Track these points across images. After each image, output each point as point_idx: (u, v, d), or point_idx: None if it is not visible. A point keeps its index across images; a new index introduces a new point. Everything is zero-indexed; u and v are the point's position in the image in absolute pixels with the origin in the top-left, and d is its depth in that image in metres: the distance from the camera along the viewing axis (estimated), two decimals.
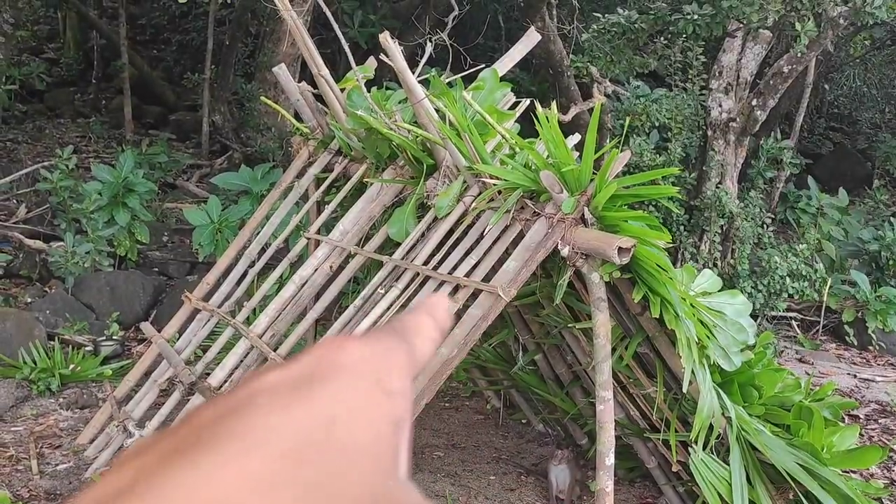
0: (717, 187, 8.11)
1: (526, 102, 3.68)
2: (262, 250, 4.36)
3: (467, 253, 3.12)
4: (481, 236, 3.15)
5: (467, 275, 3.03)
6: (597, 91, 6.77)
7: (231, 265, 4.40)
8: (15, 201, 9.58)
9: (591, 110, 7.47)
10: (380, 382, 0.32)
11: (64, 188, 7.96)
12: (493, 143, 3.50)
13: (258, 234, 4.44)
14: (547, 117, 2.93)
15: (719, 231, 8.21)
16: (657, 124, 7.95)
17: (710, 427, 3.23)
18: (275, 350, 3.52)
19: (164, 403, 3.89)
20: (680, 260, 8.26)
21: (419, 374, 0.51)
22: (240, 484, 0.26)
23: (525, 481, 4.40)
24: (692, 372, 3.00)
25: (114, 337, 6.17)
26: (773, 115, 12.95)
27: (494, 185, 3.05)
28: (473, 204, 3.21)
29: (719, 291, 3.30)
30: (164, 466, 0.27)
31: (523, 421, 5.19)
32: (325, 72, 3.91)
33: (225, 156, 12.53)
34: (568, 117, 6.87)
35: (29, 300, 7.10)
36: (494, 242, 3.08)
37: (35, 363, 5.29)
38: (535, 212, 2.99)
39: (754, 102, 7.92)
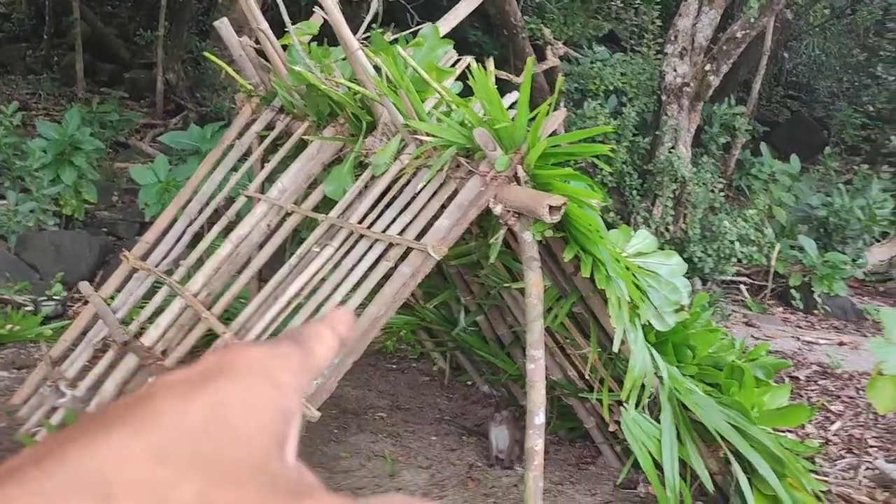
0: (671, 152, 8.15)
1: (467, 59, 3.63)
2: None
3: (402, 211, 3.09)
4: (417, 195, 3.11)
5: (400, 233, 3.00)
6: (550, 53, 6.72)
7: (171, 224, 4.32)
8: None
9: (547, 72, 7.43)
10: (271, 378, 0.35)
11: (7, 145, 7.74)
12: (432, 101, 3.45)
13: (198, 192, 4.36)
14: (483, 74, 2.89)
15: (672, 195, 8.27)
16: (612, 88, 7.93)
17: (643, 387, 3.26)
18: (209, 309, 3.47)
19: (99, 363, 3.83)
20: (633, 224, 8.31)
21: (315, 377, 0.55)
22: (135, 454, 0.30)
23: (466, 441, 4.43)
24: (624, 332, 3.01)
25: (55, 297, 6.05)
26: (730, 81, 13.05)
27: (430, 142, 3.01)
28: (408, 162, 3.17)
29: (654, 252, 3.31)
30: (68, 442, 0.30)
31: (469, 382, 5.21)
32: (265, 26, 3.82)
33: (180, 115, 12.28)
34: (521, 79, 6.81)
35: None
36: (429, 201, 3.05)
37: None
38: (469, 170, 2.96)
39: (708, 67, 7.94)
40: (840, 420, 5.35)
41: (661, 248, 3.72)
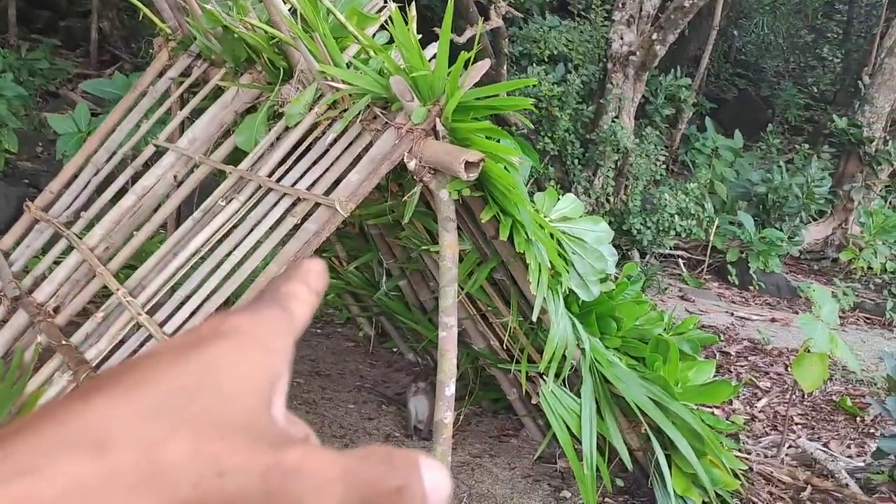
0: (614, 122, 8.03)
1: (391, 6, 3.39)
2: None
3: (313, 165, 2.88)
4: (330, 148, 2.90)
5: (310, 188, 2.78)
6: (494, 13, 6.50)
7: (78, 174, 4.03)
8: None
9: (489, 33, 7.21)
10: (259, 342, 0.35)
11: None
12: (354, 49, 3.23)
13: (107, 141, 4.07)
14: (402, 19, 2.67)
15: (613, 166, 8.17)
16: (557, 53, 7.75)
17: (564, 359, 3.13)
18: (105, 264, 3.22)
19: None
20: (574, 193, 8.19)
21: (297, 336, 0.40)
22: (129, 411, 0.31)
23: (385, 410, 4.27)
24: (544, 300, 2.86)
25: None
26: (679, 55, 12.98)
27: (343, 90, 2.79)
28: (321, 112, 2.95)
29: (581, 217, 3.16)
30: (62, 404, 0.32)
31: (394, 349, 5.04)
32: None
33: (115, 66, 11.76)
34: (462, 39, 6.59)
35: None
36: (342, 155, 2.84)
37: None
38: (385, 122, 2.75)
39: (655, 37, 7.81)
40: (767, 396, 5.33)
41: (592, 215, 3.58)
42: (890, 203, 9.88)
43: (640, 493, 3.59)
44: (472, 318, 3.67)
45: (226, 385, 0.33)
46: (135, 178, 3.65)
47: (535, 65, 8.17)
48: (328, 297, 5.48)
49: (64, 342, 2.94)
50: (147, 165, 3.76)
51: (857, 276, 8.93)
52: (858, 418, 5.09)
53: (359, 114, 2.89)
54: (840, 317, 7.44)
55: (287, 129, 3.13)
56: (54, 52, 12.14)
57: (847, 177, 9.42)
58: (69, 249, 3.51)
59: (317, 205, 2.68)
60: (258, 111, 3.28)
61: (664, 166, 8.74)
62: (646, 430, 3.26)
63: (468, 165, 2.47)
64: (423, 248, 3.38)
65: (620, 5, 7.98)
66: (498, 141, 2.80)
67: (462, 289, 3.16)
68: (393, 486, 0.33)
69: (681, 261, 8.69)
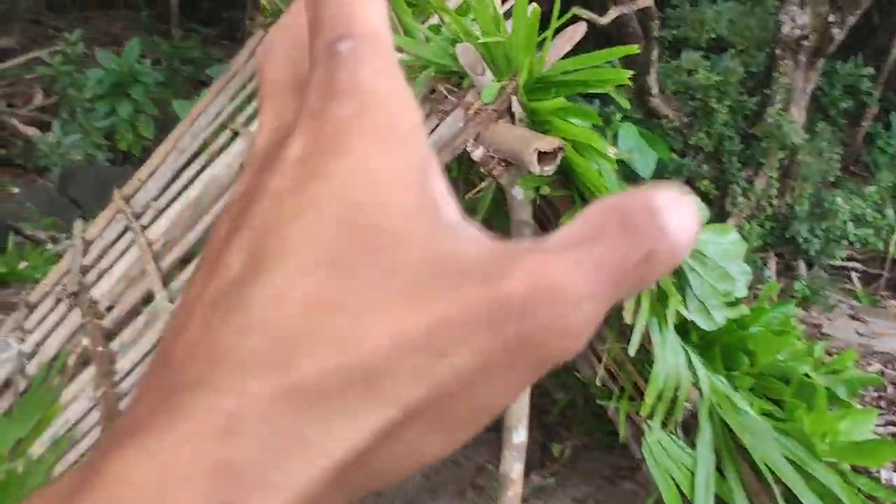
0: (780, 114, 7.09)
1: None
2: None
3: None
4: None
5: None
6: None
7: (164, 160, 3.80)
8: (39, 89, 9.14)
9: (639, 12, 6.51)
10: (383, 131, 0.24)
11: (65, 73, 7.45)
12: (436, 19, 2.74)
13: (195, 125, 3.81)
14: None
15: (778, 165, 7.23)
16: (716, 37, 6.93)
17: (676, 400, 2.51)
18: (157, 262, 2.92)
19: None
20: (730, 195, 7.34)
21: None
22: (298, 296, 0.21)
23: (480, 437, 3.66)
24: (647, 328, 2.26)
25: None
26: (865, 44, 11.56)
27: (405, 60, 2.31)
28: None
29: (705, 225, 2.52)
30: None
31: None
32: None
33: None
34: (606, 19, 5.95)
35: (16, 190, 6.71)
36: None
37: None
38: (455, 102, 2.25)
39: (832, 18, 6.82)
40: None
41: (756, 223, 2.91)
42: None
43: None
44: None
45: (378, 217, 0.23)
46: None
47: (691, 50, 7.36)
48: None
49: (101, 349, 2.64)
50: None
51: None
52: None
53: (431, 93, 2.41)
54: None
55: None
56: (212, 41, 12.46)
57: None
58: (134, 243, 3.25)
59: None
60: None
61: (839, 167, 7.68)
62: (783, 492, 2.58)
63: (542, 156, 1.92)
64: None
65: None
66: (594, 127, 2.23)
67: None
68: (640, 257, 0.23)
69: (854, 274, 7.61)
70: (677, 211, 0.23)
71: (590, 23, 5.40)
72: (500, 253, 0.23)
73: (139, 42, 7.73)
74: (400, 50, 2.29)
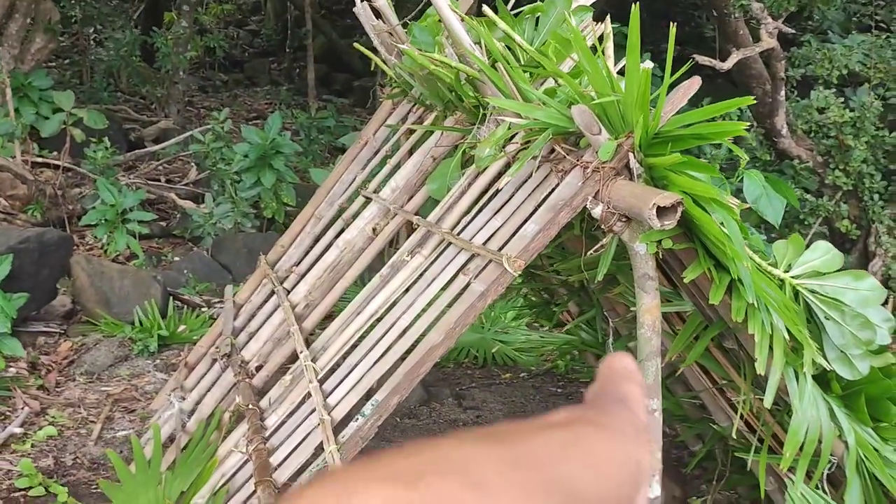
0: None
1: (604, 25, 2.93)
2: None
3: (496, 214, 2.52)
4: (515, 194, 2.52)
5: (487, 241, 2.42)
6: (764, 33, 5.73)
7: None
8: (192, 164, 9.88)
9: (763, 53, 6.40)
10: (622, 434, 0.38)
11: (215, 150, 8.02)
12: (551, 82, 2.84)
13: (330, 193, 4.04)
14: (580, 36, 2.24)
15: None
16: (845, 72, 6.69)
17: (819, 453, 2.42)
18: (301, 323, 3.10)
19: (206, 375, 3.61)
20: (874, 234, 6.99)
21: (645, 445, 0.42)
22: (493, 458, 0.33)
23: None
24: (783, 378, 2.21)
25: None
26: None
27: (520, 125, 2.41)
28: (512, 153, 2.59)
29: (838, 272, 2.45)
30: (435, 443, 0.35)
31: None
32: (381, 2, 3.40)
33: None
34: (728, 65, 5.89)
35: (176, 259, 7.24)
36: (525, 201, 2.45)
37: (140, 323, 5.26)
38: (573, 162, 2.32)
39: None
40: None
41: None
42: None
43: None
44: (709, 391, 3.04)
45: (594, 462, 0.34)
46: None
47: (822, 87, 7.13)
48: (572, 352, 5.05)
49: (251, 406, 2.83)
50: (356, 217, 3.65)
51: None
52: None
53: (550, 153, 2.50)
54: None
55: (478, 175, 2.81)
56: (346, 109, 13.08)
57: None
58: (279, 306, 3.47)
59: (489, 261, 2.31)
60: (452, 156, 3.00)
61: None
62: None
63: (661, 211, 1.96)
64: (633, 309, 2.85)
65: None
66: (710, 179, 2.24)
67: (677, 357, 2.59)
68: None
69: None
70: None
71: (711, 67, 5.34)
72: None
73: (280, 116, 8.23)
74: (518, 115, 2.40)
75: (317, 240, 3.77)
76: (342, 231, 3.53)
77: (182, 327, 5.45)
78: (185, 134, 9.51)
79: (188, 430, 3.34)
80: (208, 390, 3.47)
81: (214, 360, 3.77)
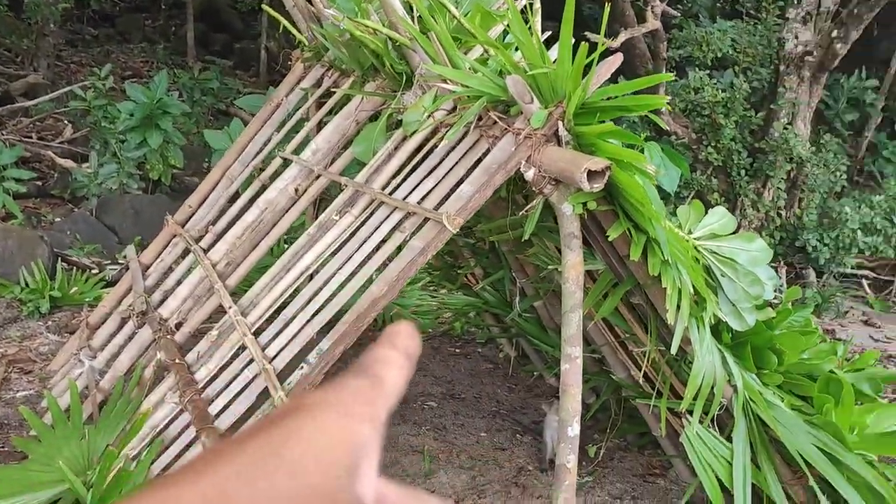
0: (786, 128, 7.34)
1: (523, 2, 3.10)
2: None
3: (428, 176, 2.65)
4: (446, 158, 2.66)
5: (421, 201, 2.56)
6: (650, 15, 6.08)
7: (214, 187, 4.04)
8: (66, 122, 9.42)
9: (646, 36, 6.77)
10: (338, 412, 0.34)
11: (98, 108, 7.71)
12: (478, 50, 2.98)
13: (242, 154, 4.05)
14: (517, 12, 2.39)
15: (785, 177, 7.47)
16: (721, 56, 7.18)
17: (713, 396, 2.72)
18: (224, 281, 3.15)
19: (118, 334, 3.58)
20: (739, 207, 7.57)
21: (393, 403, 0.39)
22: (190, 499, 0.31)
23: (520, 440, 3.97)
24: (686, 330, 2.48)
25: (121, 261, 5.94)
26: (866, 58, 11.83)
27: (455, 92, 2.55)
28: (440, 119, 2.72)
29: (732, 235, 2.74)
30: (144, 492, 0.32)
31: (535, 373, 4.73)
32: None
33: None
34: (617, 42, 6.21)
35: (57, 220, 6.95)
36: (458, 164, 2.60)
37: (27, 284, 5.08)
38: (504, 128, 2.48)
39: (834, 34, 7.07)
40: None
41: (765, 234, 3.14)
42: None
43: None
44: (611, 345, 3.31)
45: (295, 459, 0.32)
46: (262, 192, 3.59)
47: (697, 69, 7.62)
48: (469, 315, 5.26)
49: (178, 360, 2.87)
50: (274, 178, 3.69)
51: None
52: None
53: (478, 120, 2.65)
54: None
55: (405, 138, 2.93)
56: (228, 72, 12.76)
57: None
58: (196, 264, 3.48)
59: (426, 220, 2.45)
60: (377, 120, 3.10)
61: (846, 177, 7.91)
62: (812, 484, 2.78)
63: (592, 175, 2.15)
64: (552, 267, 3.07)
65: (796, 2, 7.30)
66: (633, 147, 2.45)
67: (587, 313, 2.82)
68: None
69: (865, 281, 7.81)
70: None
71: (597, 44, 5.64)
72: None
73: (166, 74, 8.00)
74: (443, 80, 2.53)
75: (232, 200, 3.78)
76: (260, 192, 3.56)
77: (74, 289, 5.30)
78: (61, 90, 9.07)
79: (102, 388, 3.32)
80: (122, 348, 3.45)
81: (124, 320, 3.74)
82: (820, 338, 3.13)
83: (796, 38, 7.34)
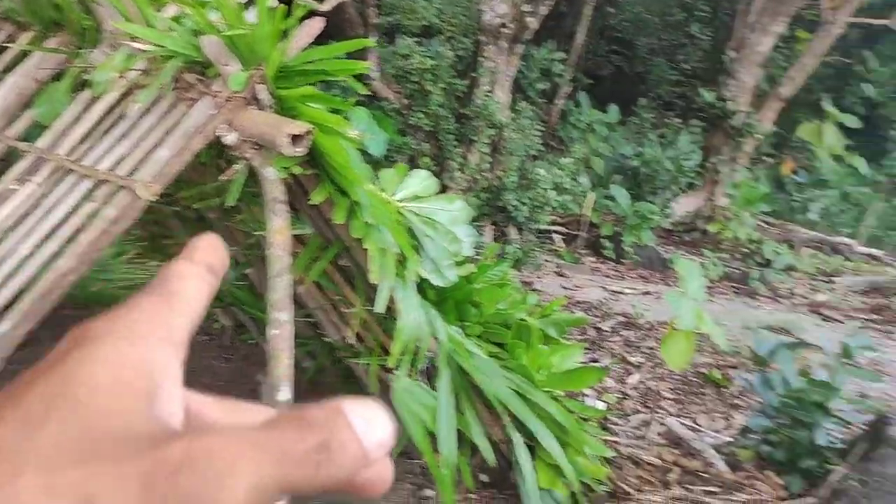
0: (487, 96, 7.83)
1: None
2: None
3: (121, 140, 2.49)
4: (139, 121, 2.51)
5: (114, 168, 2.40)
6: None
7: None
8: None
9: (356, 2, 6.84)
10: (127, 339, 0.31)
11: None
12: (174, 8, 2.83)
13: None
14: None
15: (488, 141, 7.98)
16: (427, 24, 7.46)
17: (419, 350, 2.87)
18: None
19: None
20: (448, 170, 7.97)
21: (194, 315, 0.34)
22: None
23: None
24: (392, 288, 2.58)
25: None
26: (557, 32, 12.92)
27: (147, 52, 2.41)
28: (132, 80, 2.56)
29: (433, 196, 2.89)
30: None
31: (251, 341, 4.67)
32: None
33: None
34: (326, 7, 6.20)
35: None
36: (154, 129, 2.46)
37: None
38: (201, 91, 2.39)
39: (526, 9, 7.63)
40: (639, 372, 5.26)
41: (472, 195, 3.31)
42: (754, 174, 10.14)
43: (505, 486, 3.38)
44: (324, 308, 3.36)
45: (81, 399, 0.28)
46: None
47: (406, 37, 7.85)
48: None
49: None
50: None
51: (725, 246, 9.11)
52: (725, 389, 5.09)
53: (176, 82, 2.53)
54: (709, 287, 7.52)
55: (95, 100, 2.71)
56: None
57: (714, 150, 9.58)
58: None
59: (120, 188, 2.30)
60: (61, 80, 2.85)
61: (540, 141, 8.63)
62: (506, 423, 3.05)
63: (294, 138, 2.15)
64: (260, 233, 3.04)
65: None
66: (338, 112, 2.48)
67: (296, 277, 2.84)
68: (312, 444, 0.28)
69: (557, 237, 8.62)
70: (365, 415, 0.29)
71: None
72: (183, 432, 0.28)
73: None
74: (133, 39, 2.39)
75: None
76: None
77: None
78: None
79: None
80: None
81: None
82: (515, 289, 3.42)
83: (493, 10, 7.82)
